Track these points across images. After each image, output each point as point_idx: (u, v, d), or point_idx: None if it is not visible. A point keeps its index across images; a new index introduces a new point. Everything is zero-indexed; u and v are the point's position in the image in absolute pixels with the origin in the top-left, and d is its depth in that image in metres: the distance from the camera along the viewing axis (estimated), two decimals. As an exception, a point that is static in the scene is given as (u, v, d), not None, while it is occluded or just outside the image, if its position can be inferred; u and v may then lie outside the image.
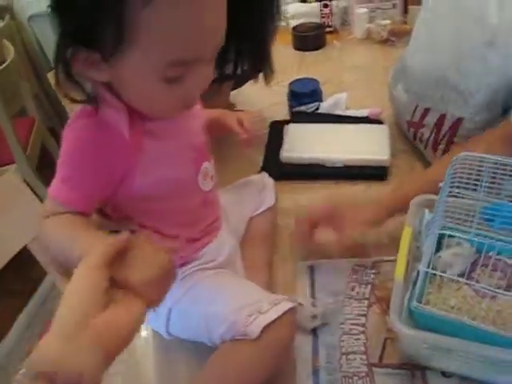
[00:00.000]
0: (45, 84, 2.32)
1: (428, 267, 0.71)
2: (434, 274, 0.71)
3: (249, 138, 0.89)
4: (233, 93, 1.34)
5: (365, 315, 0.79)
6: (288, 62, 1.63)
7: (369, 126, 1.18)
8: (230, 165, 1.11)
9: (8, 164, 1.87)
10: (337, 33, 1.82)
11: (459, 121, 0.97)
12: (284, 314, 0.66)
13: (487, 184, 0.74)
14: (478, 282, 0.72)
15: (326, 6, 1.78)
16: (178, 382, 0.75)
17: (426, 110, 1.04)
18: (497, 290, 0.65)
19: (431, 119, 1.03)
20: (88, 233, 0.59)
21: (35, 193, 1.07)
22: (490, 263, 0.72)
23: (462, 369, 0.68)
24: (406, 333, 0.64)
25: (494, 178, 0.75)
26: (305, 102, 1.26)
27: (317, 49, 1.71)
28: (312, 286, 0.84)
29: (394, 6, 1.74)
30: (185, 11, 0.52)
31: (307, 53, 1.70)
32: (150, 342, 0.80)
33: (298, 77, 1.33)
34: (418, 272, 0.70)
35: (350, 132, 1.16)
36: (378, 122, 1.20)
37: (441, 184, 0.74)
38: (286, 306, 0.67)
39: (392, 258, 0.77)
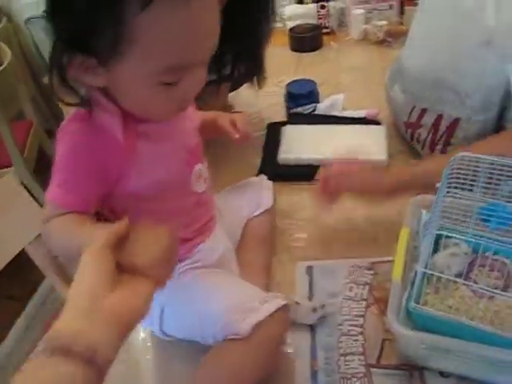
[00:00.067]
0: (42, 86, 2.32)
1: (426, 268, 0.71)
2: (432, 275, 0.71)
3: (241, 138, 0.88)
4: (231, 94, 1.35)
5: (363, 316, 0.79)
6: (285, 64, 1.63)
7: (366, 126, 1.19)
8: (228, 166, 1.12)
9: (6, 167, 1.87)
10: (334, 34, 1.82)
11: (456, 121, 0.97)
12: (276, 311, 0.66)
13: (483, 184, 0.75)
14: (475, 282, 0.72)
15: (322, 7, 1.78)
16: (177, 382, 0.75)
17: (423, 111, 1.04)
18: (494, 291, 0.65)
19: (428, 120, 1.03)
20: (89, 226, 0.60)
21: (33, 195, 1.07)
22: (488, 263, 0.72)
23: (459, 369, 0.68)
24: (404, 333, 0.64)
25: (491, 178, 0.75)
26: (302, 103, 1.26)
27: (314, 50, 1.72)
28: (310, 287, 0.84)
29: (391, 6, 1.74)
30: (183, 15, 0.53)
31: (304, 54, 1.70)
32: (149, 342, 0.80)
33: (295, 78, 1.33)
34: (416, 272, 0.70)
35: (348, 133, 1.17)
36: (376, 122, 1.21)
37: (438, 184, 0.74)
38: (278, 303, 0.67)
39: (390, 258, 0.77)
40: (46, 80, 2.10)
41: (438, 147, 1.02)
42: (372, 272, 0.85)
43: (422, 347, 0.67)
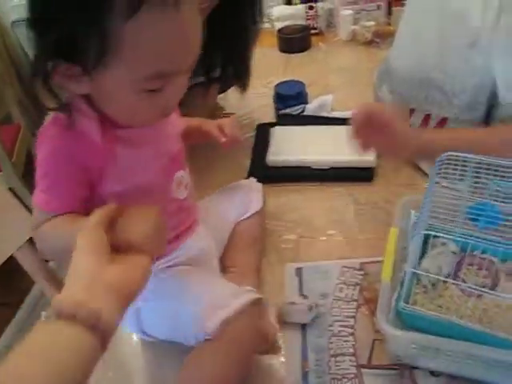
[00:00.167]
0: (29, 90, 2.30)
1: (415, 268, 0.72)
2: (421, 275, 0.71)
3: (229, 141, 0.88)
4: (220, 96, 1.35)
5: (353, 317, 0.79)
6: (274, 65, 1.63)
7: (355, 127, 1.18)
8: (218, 168, 1.12)
9: (-6, 172, 1.85)
10: (322, 35, 1.82)
11: (444, 121, 0.98)
12: (247, 306, 0.66)
13: (471, 183, 0.75)
14: (464, 281, 0.72)
15: (311, 8, 1.78)
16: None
17: (411, 111, 1.05)
18: (482, 289, 0.66)
19: (416, 120, 1.03)
20: (80, 219, 0.60)
21: (22, 200, 1.06)
22: (475, 262, 0.73)
23: (450, 368, 0.68)
24: (394, 334, 0.64)
25: (478, 177, 0.76)
26: (290, 104, 1.26)
27: (302, 51, 1.72)
28: (300, 288, 0.84)
29: (379, 7, 1.75)
30: (168, 24, 0.53)
31: (293, 55, 1.70)
32: (139, 344, 0.80)
33: (284, 79, 1.33)
34: (405, 273, 0.70)
35: (336, 134, 1.16)
36: (364, 123, 1.20)
37: (425, 185, 0.75)
38: (247, 298, 0.67)
39: (380, 258, 0.77)
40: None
41: (426, 147, 1.02)
42: (362, 273, 0.86)
43: (412, 347, 0.68)
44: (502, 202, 0.74)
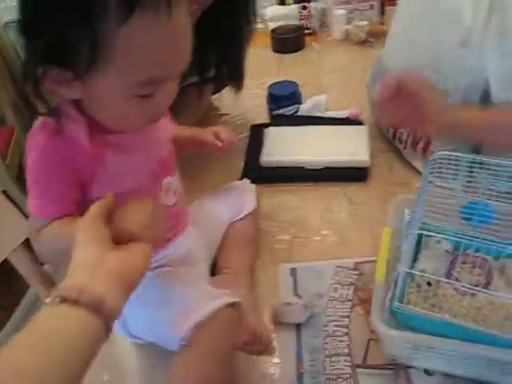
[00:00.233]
0: (23, 91, 2.29)
1: (409, 267, 0.72)
2: (414, 274, 0.71)
3: (225, 146, 0.89)
4: (214, 97, 1.34)
5: (348, 317, 0.79)
6: (267, 65, 1.63)
7: (348, 127, 1.19)
8: (212, 169, 1.11)
9: (-13, 175, 1.84)
10: (316, 35, 1.82)
11: (437, 120, 0.98)
12: (219, 309, 0.65)
13: (465, 182, 0.75)
14: (458, 279, 0.73)
15: (304, 8, 1.78)
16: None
17: (404, 111, 1.04)
18: (476, 288, 0.66)
19: (409, 119, 1.03)
20: (77, 219, 0.60)
21: (15, 202, 1.06)
22: (469, 260, 0.73)
23: (444, 367, 0.68)
24: (388, 333, 0.64)
25: (471, 176, 0.76)
26: (284, 104, 1.26)
27: (296, 51, 1.72)
28: (295, 288, 0.84)
29: (372, 6, 1.75)
30: (161, 30, 0.53)
31: (286, 55, 1.70)
32: (132, 345, 0.79)
33: (278, 79, 1.33)
34: (399, 272, 0.70)
35: (330, 133, 1.17)
36: (358, 122, 1.21)
37: (419, 185, 0.75)
38: (221, 301, 0.67)
39: (374, 258, 0.77)
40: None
41: (420, 146, 1.02)
42: (357, 272, 0.86)
43: (407, 346, 0.68)
44: (496, 200, 0.74)
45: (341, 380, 0.70)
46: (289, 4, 1.86)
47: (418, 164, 1.05)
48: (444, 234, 0.73)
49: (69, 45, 0.52)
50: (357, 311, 0.80)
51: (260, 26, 1.78)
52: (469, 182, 0.76)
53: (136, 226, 0.56)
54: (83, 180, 0.64)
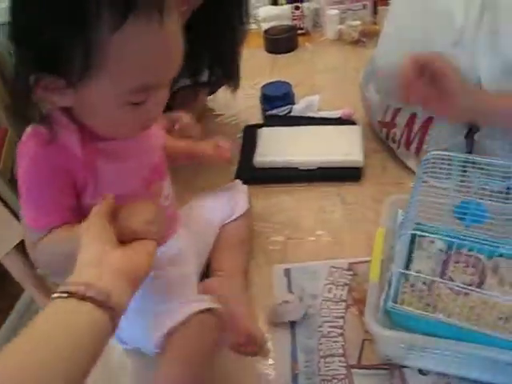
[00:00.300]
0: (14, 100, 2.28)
1: (402, 267, 0.72)
2: (408, 274, 0.72)
3: (226, 154, 0.89)
4: (210, 98, 1.34)
5: (343, 317, 0.79)
6: (260, 66, 1.63)
7: (342, 127, 1.19)
8: (204, 171, 1.11)
9: (-20, 177, 1.83)
10: (309, 35, 1.82)
11: (429, 120, 0.98)
12: (192, 316, 0.66)
13: (457, 182, 0.75)
14: (451, 278, 0.73)
15: (297, 8, 1.78)
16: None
17: (397, 110, 1.05)
18: (469, 288, 0.66)
19: (402, 119, 1.03)
20: (76, 226, 0.60)
21: (8, 205, 1.05)
22: (462, 259, 0.73)
23: (438, 366, 0.68)
24: (382, 334, 0.64)
25: (464, 175, 0.76)
26: (277, 105, 1.26)
27: (289, 51, 1.71)
28: (289, 289, 0.84)
29: (364, 6, 1.75)
30: (153, 36, 0.53)
31: (279, 55, 1.70)
32: (126, 354, 0.79)
33: (271, 80, 1.33)
34: (393, 273, 0.70)
35: (323, 134, 1.17)
36: (351, 122, 1.21)
37: (411, 184, 0.75)
38: (194, 307, 0.67)
39: (368, 258, 0.77)
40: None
41: (413, 146, 1.03)
42: (351, 273, 0.86)
43: (401, 346, 0.68)
44: (488, 199, 0.74)
45: (336, 381, 0.70)
46: (281, 4, 1.85)
47: (411, 164, 1.05)
48: (437, 234, 0.74)
49: (62, 53, 0.52)
50: (351, 312, 0.80)
51: (253, 26, 1.77)
52: (462, 181, 0.76)
53: (139, 224, 0.58)
54: (77, 187, 0.63)
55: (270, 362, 0.75)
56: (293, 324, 0.78)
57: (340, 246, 0.92)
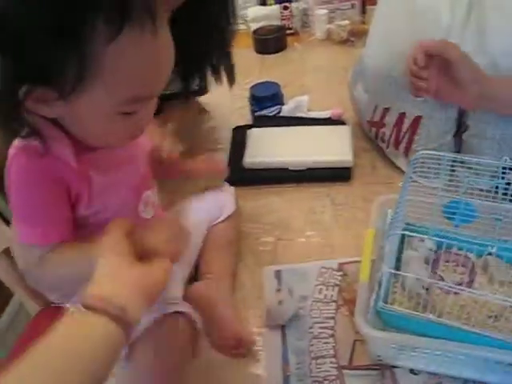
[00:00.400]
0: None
1: (392, 267, 0.72)
2: (399, 274, 0.71)
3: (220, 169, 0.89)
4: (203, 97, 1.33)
5: (333, 318, 0.79)
6: (249, 66, 1.62)
7: (331, 127, 1.19)
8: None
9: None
10: (297, 35, 1.82)
11: (418, 119, 0.98)
12: (148, 329, 0.66)
13: (446, 181, 0.75)
14: (442, 278, 0.73)
15: (285, 8, 1.78)
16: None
17: (386, 110, 1.05)
18: (459, 287, 0.66)
19: (391, 119, 1.04)
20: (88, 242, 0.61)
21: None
22: (452, 258, 0.73)
23: (429, 366, 0.68)
24: (372, 334, 0.64)
25: (453, 175, 0.76)
26: (266, 105, 1.25)
27: (278, 51, 1.71)
28: (279, 291, 0.84)
29: (353, 6, 1.76)
30: (148, 45, 0.53)
31: (268, 56, 1.70)
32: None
33: (260, 80, 1.33)
34: (383, 273, 0.70)
35: (313, 134, 1.17)
36: (341, 122, 1.21)
37: (400, 184, 0.75)
38: (155, 313, 0.67)
39: (358, 259, 0.77)
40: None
41: (402, 145, 1.03)
42: (341, 273, 0.85)
43: (392, 346, 0.68)
44: (477, 198, 0.74)
45: (327, 382, 0.70)
46: (270, 4, 1.85)
47: (401, 163, 1.06)
48: (426, 234, 0.74)
49: (56, 65, 0.50)
50: (342, 312, 0.80)
51: (242, 27, 1.77)
52: (450, 180, 0.76)
53: (161, 242, 0.59)
54: (71, 199, 0.63)
55: (262, 363, 0.74)
56: (283, 326, 0.78)
57: (330, 247, 0.92)
